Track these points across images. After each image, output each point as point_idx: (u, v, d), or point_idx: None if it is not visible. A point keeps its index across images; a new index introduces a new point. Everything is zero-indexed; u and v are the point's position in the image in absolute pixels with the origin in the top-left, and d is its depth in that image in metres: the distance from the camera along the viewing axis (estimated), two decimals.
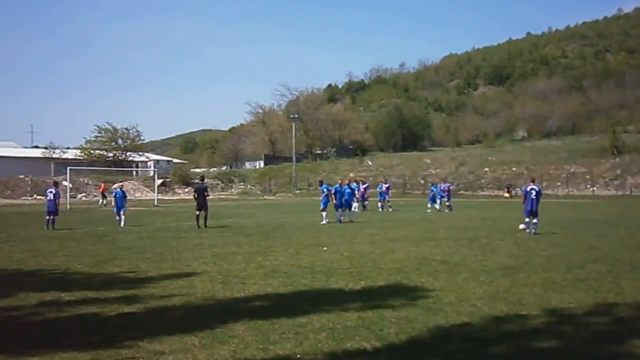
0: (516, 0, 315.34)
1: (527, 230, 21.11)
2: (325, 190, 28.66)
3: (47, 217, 25.23)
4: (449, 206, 37.50)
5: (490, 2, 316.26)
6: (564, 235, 20.69)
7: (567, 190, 65.09)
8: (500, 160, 77.96)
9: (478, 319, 8.24)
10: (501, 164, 76.07)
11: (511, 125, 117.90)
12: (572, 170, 69.12)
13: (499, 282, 11.11)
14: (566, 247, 17.01)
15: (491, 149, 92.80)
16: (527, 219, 21.34)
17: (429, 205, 38.11)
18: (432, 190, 38.92)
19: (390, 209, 38.05)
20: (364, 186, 40.56)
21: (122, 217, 27.14)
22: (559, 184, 67.13)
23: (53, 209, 25.50)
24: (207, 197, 26.03)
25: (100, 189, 54.34)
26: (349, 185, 29.79)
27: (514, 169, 72.92)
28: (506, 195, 60.58)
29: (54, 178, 62.85)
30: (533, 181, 22.49)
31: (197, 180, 31.63)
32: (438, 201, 37.91)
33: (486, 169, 76.14)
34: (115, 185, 30.95)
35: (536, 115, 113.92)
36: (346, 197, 28.48)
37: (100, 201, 50.37)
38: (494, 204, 49.29)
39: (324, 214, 27.54)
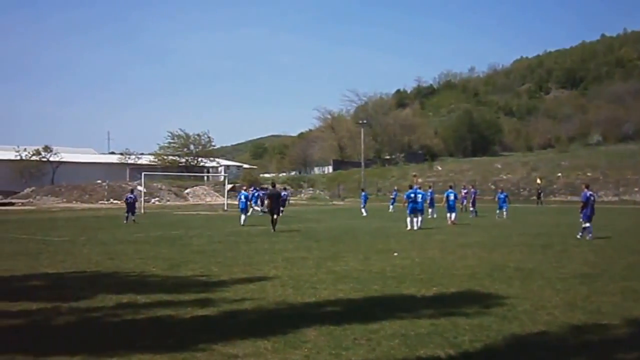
0: (590, 1, 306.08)
1: (590, 236, 21.01)
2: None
3: (129, 214, 33.61)
4: (474, 211, 37.42)
5: (562, 4, 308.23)
6: None
7: None
8: (573, 165, 75.88)
9: (555, 327, 8.01)
10: (575, 169, 74.02)
11: (585, 129, 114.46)
12: None
13: (576, 290, 10.80)
14: None
15: (564, 153, 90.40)
16: (587, 225, 21.36)
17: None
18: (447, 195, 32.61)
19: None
20: (473, 192, 40.19)
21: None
22: (636, 189, 64.85)
23: (132, 209, 34.13)
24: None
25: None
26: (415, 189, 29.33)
27: (588, 174, 70.77)
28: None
29: (131, 184, 64.63)
30: (588, 187, 23.06)
31: (269, 186, 34.86)
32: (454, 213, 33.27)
33: (559, 174, 74.26)
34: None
35: (611, 118, 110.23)
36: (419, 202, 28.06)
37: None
38: (567, 210, 47.99)
39: (408, 219, 27.32)
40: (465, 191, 40.21)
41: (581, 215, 21.72)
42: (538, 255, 16.29)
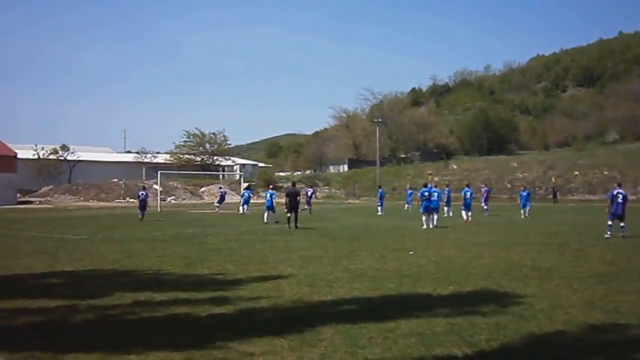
0: None
1: (609, 234, 20.70)
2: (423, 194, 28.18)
3: (140, 212, 34.47)
4: (487, 210, 37.46)
5: (579, 2, 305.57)
6: None
7: None
8: (590, 164, 75.29)
9: (573, 327, 7.96)
10: (592, 168, 73.48)
11: (602, 127, 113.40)
12: None
13: (593, 289, 10.72)
14: None
15: (581, 152, 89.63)
16: (610, 222, 20.98)
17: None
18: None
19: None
20: (487, 190, 40.11)
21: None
22: None
23: (144, 206, 34.91)
24: (299, 200, 28.87)
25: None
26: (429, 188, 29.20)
27: (605, 172, 70.24)
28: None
29: (145, 182, 65.12)
30: (619, 185, 22.41)
31: (288, 185, 36.52)
32: (469, 211, 31.62)
33: (576, 172, 73.75)
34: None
35: (629, 116, 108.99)
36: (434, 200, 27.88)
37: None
38: (584, 208, 47.69)
39: (423, 218, 27.22)
40: (485, 189, 40.01)
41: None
42: (555, 254, 16.20)
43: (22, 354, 6.75)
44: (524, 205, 35.49)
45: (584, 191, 68.10)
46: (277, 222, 30.00)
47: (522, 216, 34.53)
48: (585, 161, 77.53)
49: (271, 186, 39.54)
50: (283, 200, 29.25)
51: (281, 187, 38.21)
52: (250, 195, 45.08)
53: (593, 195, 63.56)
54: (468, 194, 31.52)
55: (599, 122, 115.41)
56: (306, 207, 41.08)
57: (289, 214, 26.92)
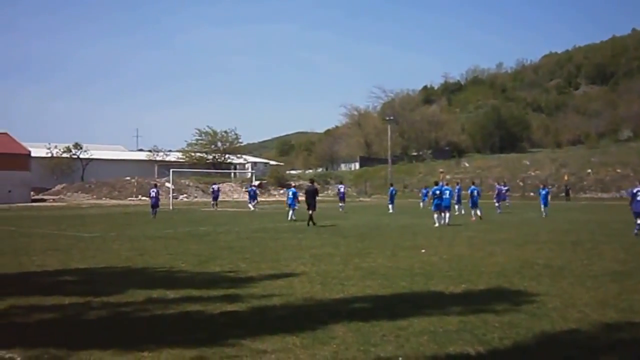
0: None
1: (635, 232, 20.63)
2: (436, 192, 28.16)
3: (152, 210, 34.92)
4: (498, 206, 38.07)
5: None
6: None
7: None
8: (603, 162, 74.81)
9: (586, 325, 7.91)
10: (605, 165, 73.02)
11: (615, 125, 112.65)
12: None
13: (607, 287, 10.65)
14: None
15: (594, 149, 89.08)
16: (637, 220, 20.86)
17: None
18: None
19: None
20: (498, 188, 40.28)
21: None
22: None
23: (155, 204, 35.20)
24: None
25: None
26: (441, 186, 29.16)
27: (618, 170, 69.84)
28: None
29: (156, 180, 65.39)
30: None
31: (307, 183, 37.05)
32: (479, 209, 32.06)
33: (589, 170, 73.34)
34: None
35: None
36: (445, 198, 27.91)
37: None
38: (597, 206, 47.46)
39: (435, 216, 27.26)
40: (505, 188, 40.01)
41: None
42: (567, 253, 16.12)
43: (36, 351, 6.79)
44: (545, 204, 35.10)
45: (597, 189, 67.78)
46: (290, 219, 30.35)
47: (544, 214, 34.03)
48: (598, 159, 77.07)
49: (294, 184, 40.29)
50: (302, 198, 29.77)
51: (294, 186, 38.67)
52: (255, 192, 45.40)
53: (606, 193, 63.28)
54: (475, 192, 31.78)
55: (612, 120, 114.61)
56: (341, 204, 41.32)
57: (310, 212, 27.47)
